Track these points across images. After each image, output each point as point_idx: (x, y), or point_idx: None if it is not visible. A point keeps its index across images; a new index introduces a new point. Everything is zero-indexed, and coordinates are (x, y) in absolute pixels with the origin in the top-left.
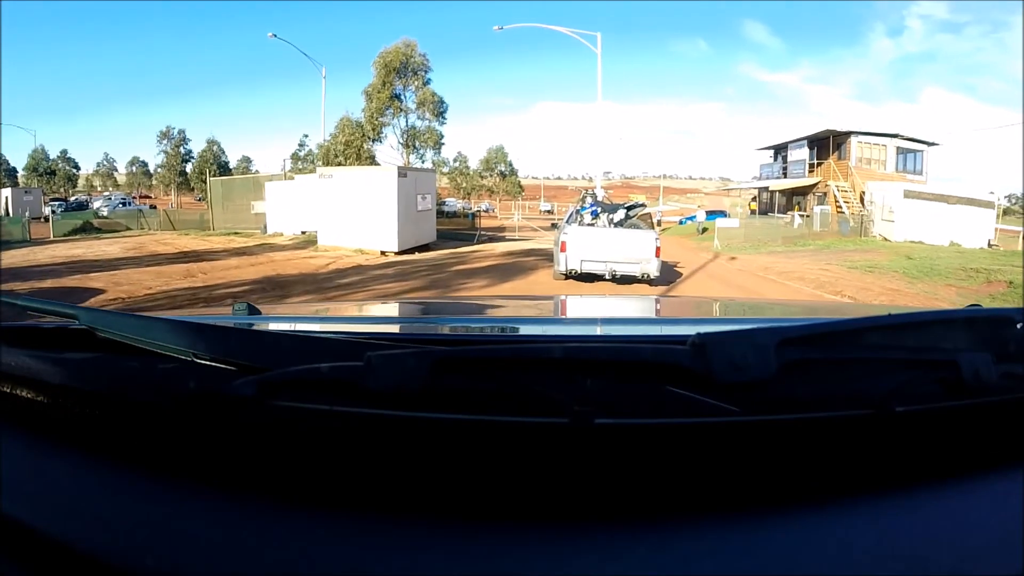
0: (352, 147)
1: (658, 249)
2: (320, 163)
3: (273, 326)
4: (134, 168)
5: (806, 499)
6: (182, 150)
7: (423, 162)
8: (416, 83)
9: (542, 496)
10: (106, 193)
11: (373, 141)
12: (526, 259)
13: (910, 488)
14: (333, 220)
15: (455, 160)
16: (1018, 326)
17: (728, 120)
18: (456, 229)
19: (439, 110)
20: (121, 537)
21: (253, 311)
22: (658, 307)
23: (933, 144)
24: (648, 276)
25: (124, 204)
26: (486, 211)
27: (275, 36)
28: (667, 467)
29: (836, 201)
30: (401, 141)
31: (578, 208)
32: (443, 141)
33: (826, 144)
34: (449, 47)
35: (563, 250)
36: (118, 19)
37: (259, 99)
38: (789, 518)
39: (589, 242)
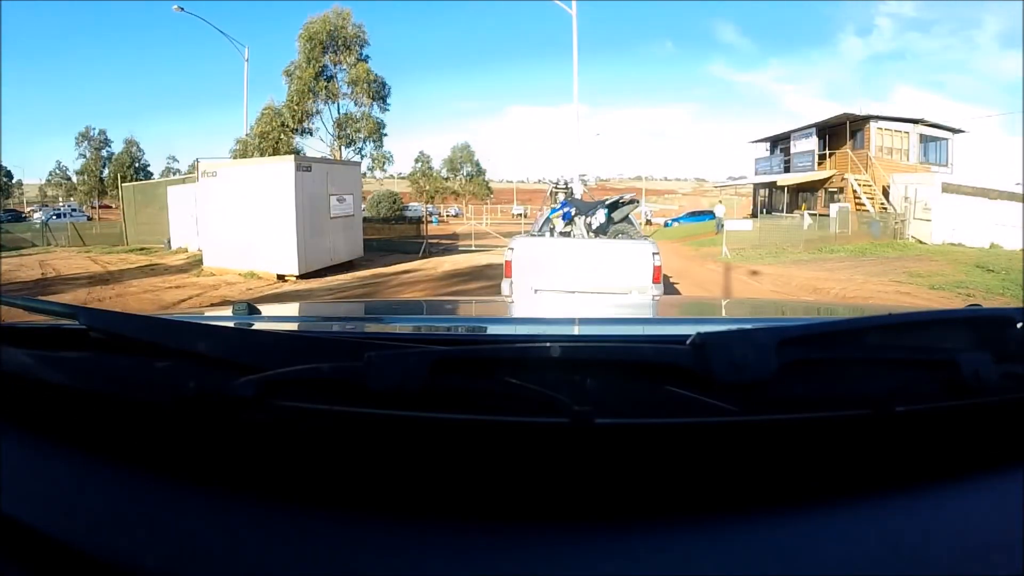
0: (269, 140)
1: (657, 270)
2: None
3: (273, 326)
4: (85, 176)
5: (806, 499)
6: (104, 153)
7: (362, 157)
8: (349, 59)
9: (542, 496)
10: (67, 204)
11: (299, 132)
12: (470, 285)
13: (910, 488)
14: (220, 233)
15: (416, 160)
16: (1018, 326)
17: (700, 120)
18: (403, 237)
19: (379, 93)
20: (121, 537)
21: (253, 311)
22: (658, 307)
23: (959, 131)
24: None
25: (58, 216)
26: (455, 215)
27: (182, 10)
28: (667, 467)
29: (856, 197)
30: (332, 132)
31: (550, 210)
32: (385, 132)
33: (839, 132)
34: (419, 48)
35: (507, 274)
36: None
37: (223, 100)
38: (789, 518)
39: (547, 261)
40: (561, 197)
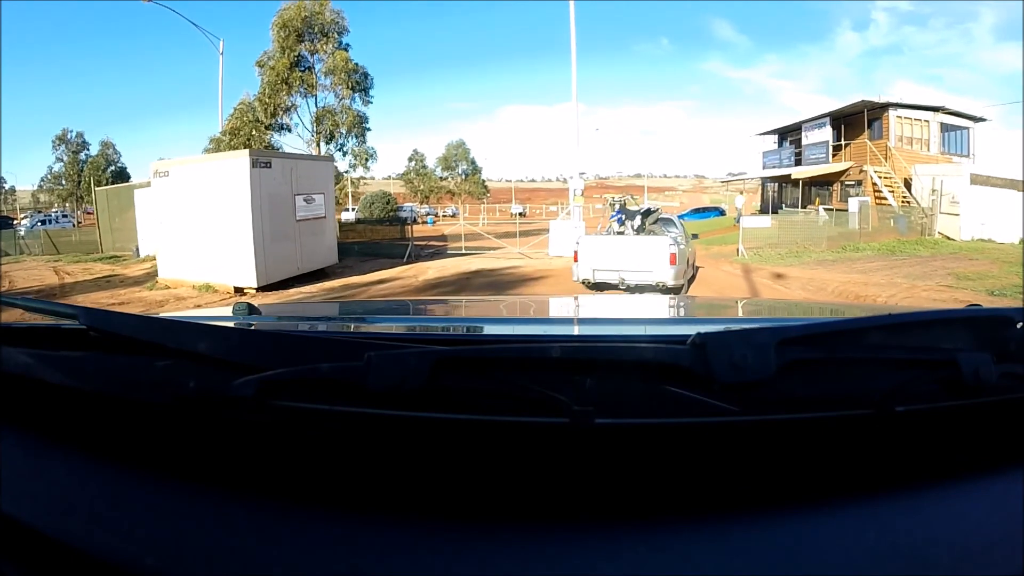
0: (241, 137)
1: (673, 256)
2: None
3: (273, 326)
4: (64, 181)
5: (806, 499)
6: (82, 156)
7: (344, 155)
8: (327, 48)
9: (542, 496)
10: (58, 210)
11: (275, 128)
12: (456, 295)
13: (910, 488)
14: (173, 240)
15: (410, 159)
16: (1018, 326)
17: (698, 117)
18: (388, 240)
19: (361, 84)
20: (121, 537)
21: (253, 311)
22: (659, 307)
23: (981, 119)
24: (663, 285)
25: (44, 223)
26: (452, 215)
27: (153, 1)
28: (667, 467)
29: (876, 190)
30: (309, 128)
31: (610, 216)
32: (368, 126)
33: (856, 122)
34: (411, 50)
35: (575, 260)
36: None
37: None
38: (789, 518)
39: (601, 251)
40: (617, 207)
